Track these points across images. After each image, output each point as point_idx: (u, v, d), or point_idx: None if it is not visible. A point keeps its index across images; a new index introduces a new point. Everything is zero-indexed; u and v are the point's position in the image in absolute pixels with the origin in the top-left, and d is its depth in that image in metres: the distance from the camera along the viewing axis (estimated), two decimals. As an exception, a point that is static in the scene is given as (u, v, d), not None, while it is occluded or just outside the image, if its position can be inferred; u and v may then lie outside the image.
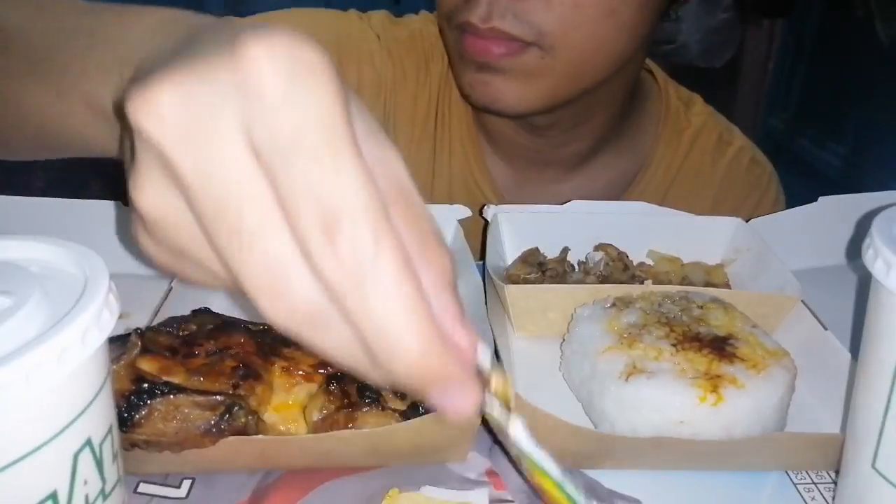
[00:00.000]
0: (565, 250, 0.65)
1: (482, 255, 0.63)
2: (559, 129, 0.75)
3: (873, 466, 0.37)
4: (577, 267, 0.65)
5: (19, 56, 0.42)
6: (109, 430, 0.31)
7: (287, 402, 0.44)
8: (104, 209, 0.63)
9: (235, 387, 0.42)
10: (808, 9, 2.30)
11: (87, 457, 0.29)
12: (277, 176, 0.24)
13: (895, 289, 0.34)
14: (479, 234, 0.68)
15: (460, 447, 0.44)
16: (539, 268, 0.63)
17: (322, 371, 0.45)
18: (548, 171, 0.81)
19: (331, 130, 0.24)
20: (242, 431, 0.41)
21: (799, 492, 0.44)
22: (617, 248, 0.64)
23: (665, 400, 0.44)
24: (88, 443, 0.29)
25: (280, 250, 0.24)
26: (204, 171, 0.24)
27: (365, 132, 0.26)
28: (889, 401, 0.35)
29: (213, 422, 0.40)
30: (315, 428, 0.43)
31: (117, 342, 0.42)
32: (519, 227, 0.66)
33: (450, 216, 0.66)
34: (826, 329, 0.53)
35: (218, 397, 0.41)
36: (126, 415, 0.39)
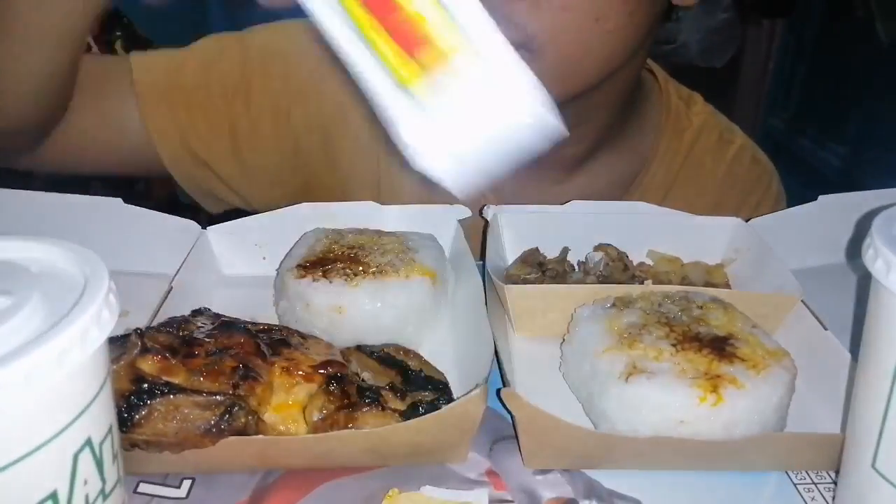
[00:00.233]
0: (565, 250, 0.65)
1: (482, 255, 0.63)
2: None
3: (873, 466, 0.37)
4: (577, 267, 0.65)
5: None
6: (109, 430, 0.31)
7: (287, 402, 0.44)
8: (105, 206, 0.63)
9: (235, 387, 0.42)
10: (808, 9, 2.30)
11: (87, 457, 0.29)
12: None
13: (895, 289, 0.34)
14: (479, 234, 0.68)
15: (460, 447, 0.44)
16: (539, 268, 0.63)
17: (322, 371, 0.45)
18: (548, 171, 0.81)
19: None
20: (242, 431, 0.41)
21: (799, 492, 0.44)
22: (617, 248, 0.64)
23: (665, 400, 0.44)
24: (88, 443, 0.29)
25: None
26: None
27: None
28: (889, 401, 0.35)
29: (213, 422, 0.40)
30: (315, 428, 0.43)
31: (117, 342, 0.42)
32: (519, 227, 0.66)
33: (450, 216, 0.66)
34: (826, 329, 0.53)
35: (218, 397, 0.41)
36: (126, 415, 0.39)
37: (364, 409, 0.43)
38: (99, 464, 0.30)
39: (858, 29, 1.95)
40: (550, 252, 0.65)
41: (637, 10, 0.64)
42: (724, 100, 2.39)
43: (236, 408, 0.41)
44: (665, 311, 0.50)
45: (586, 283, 0.61)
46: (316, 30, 0.35)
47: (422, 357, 0.51)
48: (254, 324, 0.49)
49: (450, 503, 0.42)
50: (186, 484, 0.43)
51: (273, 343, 0.47)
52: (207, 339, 0.45)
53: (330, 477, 0.43)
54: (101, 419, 0.30)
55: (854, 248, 0.67)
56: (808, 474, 0.46)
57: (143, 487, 0.42)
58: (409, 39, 0.32)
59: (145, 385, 0.40)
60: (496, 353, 0.47)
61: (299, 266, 0.56)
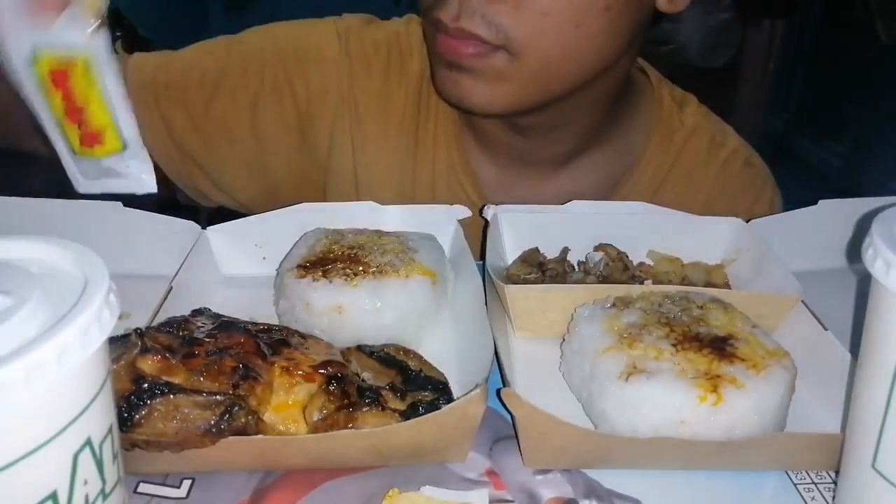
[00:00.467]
0: (565, 250, 0.65)
1: (482, 255, 0.63)
2: (541, 130, 0.76)
3: (873, 466, 0.37)
4: (577, 267, 0.65)
5: None
6: (109, 430, 0.31)
7: (287, 402, 0.44)
8: (105, 209, 0.63)
9: (235, 387, 0.42)
10: (808, 9, 2.30)
11: (87, 457, 0.29)
12: None
13: (895, 289, 0.34)
14: (479, 234, 0.68)
15: (460, 447, 0.44)
16: (539, 268, 0.63)
17: (322, 371, 0.45)
18: (533, 169, 0.81)
19: None
20: (242, 431, 0.41)
21: (799, 492, 0.44)
22: (617, 248, 0.64)
23: (665, 400, 0.44)
24: (88, 443, 0.29)
25: None
26: None
27: None
28: (889, 401, 0.35)
29: (213, 422, 0.40)
30: (315, 428, 0.43)
31: (117, 342, 0.42)
32: (519, 227, 0.66)
33: (450, 216, 0.66)
34: (826, 329, 0.53)
35: (218, 397, 0.41)
36: (126, 415, 0.39)
37: (364, 409, 0.43)
38: (99, 464, 0.30)
39: (858, 29, 1.95)
40: (550, 252, 0.65)
41: (618, 17, 0.64)
42: (724, 100, 2.39)
43: (236, 408, 0.41)
44: (665, 311, 0.50)
45: (586, 283, 0.61)
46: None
47: (422, 357, 0.50)
48: (254, 324, 0.49)
49: (450, 503, 0.42)
50: (186, 484, 0.43)
51: (273, 343, 0.47)
52: (207, 339, 0.45)
53: (330, 477, 0.43)
54: (101, 419, 0.30)
55: (854, 251, 0.67)
56: (808, 474, 0.46)
57: (143, 487, 0.43)
58: (86, 133, 0.50)
59: (145, 385, 0.40)
60: (496, 353, 0.47)
61: (299, 266, 0.56)
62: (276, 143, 0.79)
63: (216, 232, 0.64)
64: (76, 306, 0.28)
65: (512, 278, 0.61)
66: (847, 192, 0.67)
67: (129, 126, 0.51)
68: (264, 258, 0.65)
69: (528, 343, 0.57)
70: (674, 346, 0.47)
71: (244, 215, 0.66)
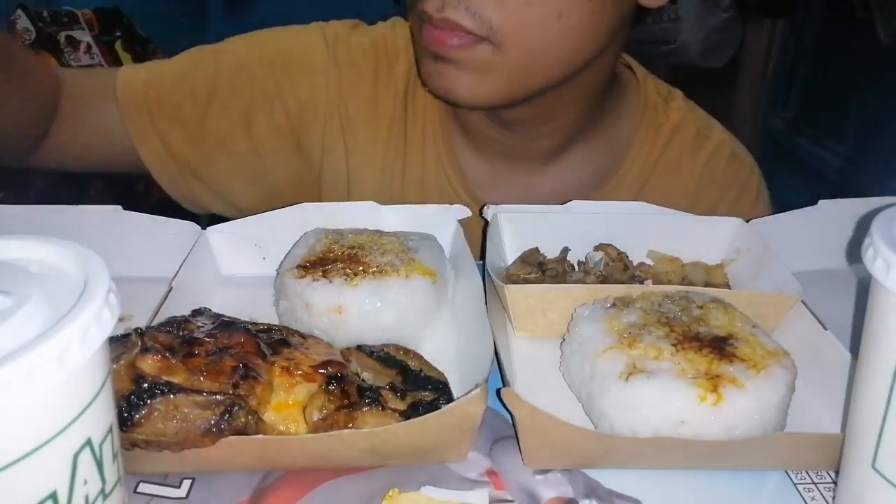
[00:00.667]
0: (565, 250, 0.65)
1: (482, 255, 0.63)
2: (528, 125, 0.76)
3: (873, 466, 0.37)
4: (577, 267, 0.65)
5: None
6: (109, 430, 0.31)
7: (287, 402, 0.44)
8: (105, 214, 0.63)
9: (235, 387, 0.42)
10: (808, 9, 2.30)
11: (87, 457, 0.29)
12: None
13: (895, 288, 0.34)
14: (479, 234, 0.68)
15: (460, 447, 0.44)
16: (539, 268, 0.63)
17: (322, 371, 0.45)
18: (522, 165, 0.82)
19: None
20: (242, 431, 0.41)
21: (799, 492, 0.44)
22: (617, 248, 0.64)
23: (665, 400, 0.44)
24: (88, 443, 0.29)
25: None
26: None
27: None
28: (889, 401, 0.35)
29: (213, 422, 0.40)
30: (315, 428, 0.43)
31: (117, 342, 0.42)
32: (519, 227, 0.66)
33: (450, 216, 0.66)
34: (826, 329, 0.53)
35: (218, 397, 0.41)
36: (126, 415, 0.39)
37: (364, 409, 0.43)
38: (99, 464, 0.30)
39: (858, 29, 1.95)
40: (550, 252, 0.65)
41: (600, 8, 0.65)
42: (724, 100, 2.39)
43: (236, 408, 0.41)
44: (665, 311, 0.50)
45: (586, 283, 0.61)
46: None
47: (422, 357, 0.50)
48: (254, 324, 0.49)
49: (450, 503, 0.42)
50: (186, 484, 0.43)
51: (273, 343, 0.47)
52: (207, 339, 0.45)
53: (330, 477, 0.43)
54: (101, 419, 0.30)
55: (854, 251, 0.67)
56: (808, 474, 0.46)
57: (143, 487, 0.42)
58: None
59: (145, 385, 0.40)
60: (496, 353, 0.47)
61: (299, 266, 0.56)
62: (273, 151, 0.80)
63: (216, 232, 0.64)
64: (76, 306, 0.28)
65: (512, 278, 0.61)
66: (847, 192, 0.67)
67: None
68: (264, 258, 0.65)
69: (528, 343, 0.57)
70: (674, 346, 0.47)
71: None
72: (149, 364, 0.42)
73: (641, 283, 0.62)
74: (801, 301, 0.56)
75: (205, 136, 0.78)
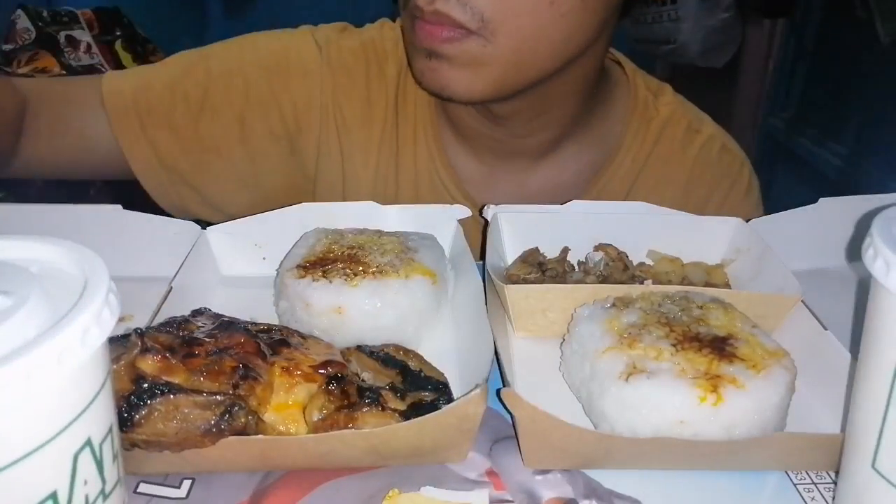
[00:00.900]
0: (565, 250, 0.65)
1: (482, 255, 0.63)
2: (520, 120, 0.76)
3: (873, 466, 0.37)
4: (577, 267, 0.65)
5: None
6: (109, 430, 0.31)
7: (287, 402, 0.44)
8: (105, 213, 0.63)
9: (235, 387, 0.42)
10: (808, 9, 2.30)
11: (87, 457, 0.29)
12: None
13: (895, 289, 0.34)
14: (479, 234, 0.68)
15: (460, 447, 0.44)
16: (539, 268, 0.63)
17: (322, 371, 0.45)
18: (514, 161, 0.82)
19: None
20: (242, 431, 0.41)
21: (799, 492, 0.44)
22: (617, 248, 0.64)
23: (665, 400, 0.44)
24: (88, 443, 0.29)
25: None
26: None
27: None
28: (889, 401, 0.35)
29: (213, 422, 0.40)
30: (315, 428, 0.43)
31: (117, 342, 0.42)
32: (519, 227, 0.66)
33: (450, 216, 0.66)
34: (826, 329, 0.53)
35: (218, 397, 0.41)
36: (126, 415, 0.39)
37: (364, 409, 0.43)
38: (99, 464, 0.30)
39: (858, 29, 1.95)
40: (550, 252, 0.65)
41: None
42: (724, 100, 2.39)
43: (236, 408, 0.41)
44: (665, 311, 0.50)
45: (586, 283, 0.61)
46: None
47: (422, 357, 0.51)
48: (254, 324, 0.49)
49: (450, 503, 0.42)
50: (186, 484, 0.43)
51: (273, 343, 0.47)
52: (207, 339, 0.45)
53: (330, 477, 0.43)
54: (101, 419, 0.30)
55: (854, 250, 0.67)
56: (808, 474, 0.46)
57: (143, 487, 0.43)
58: None
59: (145, 385, 0.40)
60: (496, 353, 0.47)
61: (299, 266, 0.56)
62: (267, 155, 0.80)
63: (216, 232, 0.64)
64: (76, 306, 0.28)
65: (512, 278, 0.61)
66: (847, 192, 0.67)
67: None
68: (264, 258, 0.65)
69: (528, 343, 0.57)
70: (674, 346, 0.47)
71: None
72: (149, 364, 0.42)
73: (641, 283, 0.62)
74: (801, 301, 0.56)
75: (198, 142, 0.77)
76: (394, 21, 0.84)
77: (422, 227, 0.65)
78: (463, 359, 0.53)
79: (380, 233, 0.62)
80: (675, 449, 0.43)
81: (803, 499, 0.44)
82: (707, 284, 0.62)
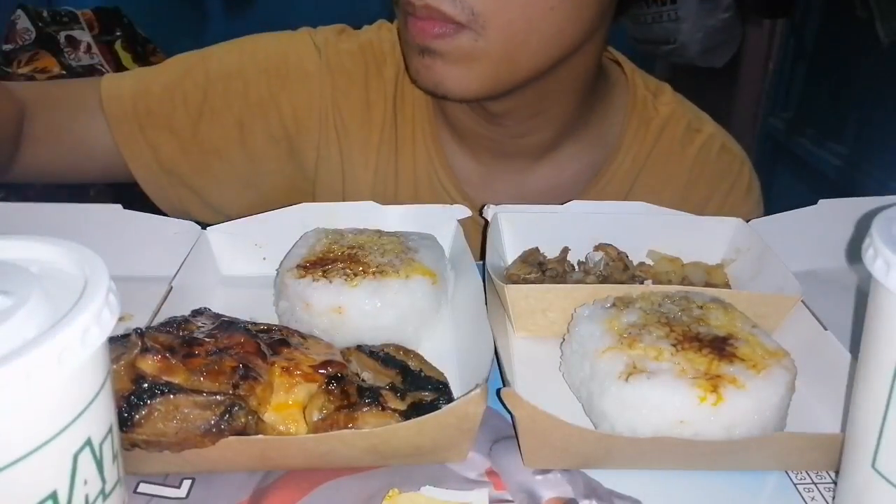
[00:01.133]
0: (565, 250, 0.65)
1: (482, 255, 0.63)
2: (516, 119, 0.76)
3: (873, 466, 0.37)
4: (577, 267, 0.65)
5: None
6: (109, 430, 0.31)
7: (287, 402, 0.44)
8: (105, 212, 0.63)
9: (235, 387, 0.42)
10: (808, 9, 2.30)
11: (87, 457, 0.29)
12: None
13: (895, 288, 0.34)
14: (479, 234, 0.68)
15: (460, 447, 0.44)
16: (539, 268, 0.63)
17: (322, 371, 0.45)
18: (513, 162, 0.82)
19: None
20: (242, 431, 0.41)
21: (799, 492, 0.44)
22: (617, 248, 0.64)
23: (665, 400, 0.44)
24: (88, 443, 0.29)
25: None
26: None
27: None
28: (889, 401, 0.35)
29: (213, 422, 0.40)
30: (315, 428, 0.43)
31: (117, 342, 0.42)
32: (519, 227, 0.66)
33: (450, 216, 0.66)
34: (826, 329, 0.53)
35: (218, 397, 0.41)
36: (126, 415, 0.39)
37: (364, 409, 0.43)
38: (99, 464, 0.30)
39: (858, 29, 1.95)
40: (550, 252, 0.65)
41: None
42: (725, 100, 2.39)
43: (236, 408, 0.41)
44: (665, 311, 0.50)
45: (586, 283, 0.61)
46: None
47: (422, 357, 0.51)
48: (254, 324, 0.49)
49: (450, 503, 0.42)
50: (186, 484, 0.43)
51: (273, 343, 0.47)
52: (207, 339, 0.45)
53: (330, 477, 0.43)
54: (101, 419, 0.30)
55: (854, 251, 0.67)
56: (808, 474, 0.46)
57: (143, 487, 0.43)
58: None
59: (145, 385, 0.40)
60: (496, 353, 0.47)
61: (299, 266, 0.56)
62: (267, 156, 0.80)
63: (216, 232, 0.64)
64: (76, 306, 0.28)
65: (512, 278, 0.61)
66: (847, 192, 0.67)
67: None
68: (264, 258, 0.65)
69: (528, 343, 0.57)
70: (674, 346, 0.47)
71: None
72: (149, 364, 0.42)
73: (641, 283, 0.62)
74: (801, 301, 0.56)
75: (197, 145, 0.77)
76: (392, 22, 0.84)
77: (422, 227, 0.65)
78: (463, 359, 0.53)
79: (380, 233, 0.62)
80: (675, 449, 0.43)
81: (803, 499, 0.44)
82: (707, 284, 0.62)
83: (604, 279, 0.62)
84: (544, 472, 0.45)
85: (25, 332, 0.27)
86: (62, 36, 1.92)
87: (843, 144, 2.12)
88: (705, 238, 0.66)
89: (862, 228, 0.62)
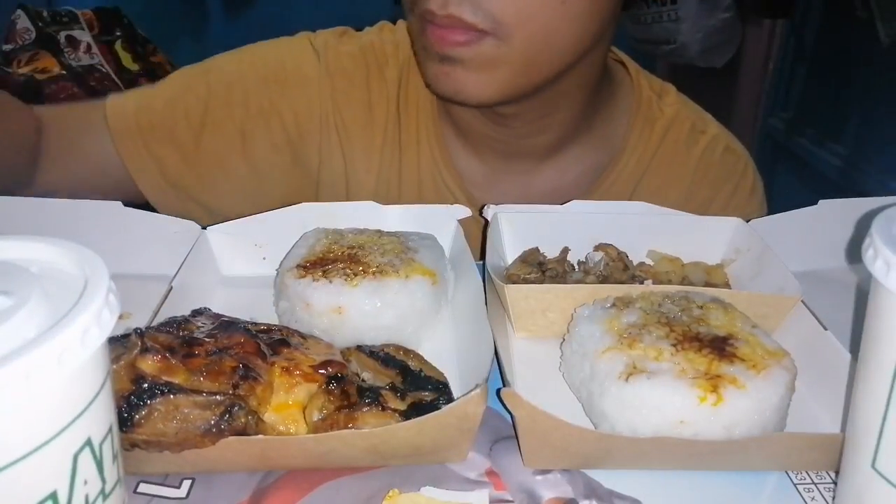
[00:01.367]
0: (565, 250, 0.65)
1: (482, 255, 0.63)
2: (525, 120, 0.76)
3: (873, 466, 0.37)
4: (577, 267, 0.65)
5: None
6: (109, 430, 0.31)
7: (287, 402, 0.44)
8: (105, 209, 0.63)
9: (235, 387, 0.42)
10: (808, 9, 2.30)
11: (87, 457, 0.29)
12: None
13: (895, 288, 0.34)
14: (479, 234, 0.68)
15: (460, 447, 0.44)
16: (539, 268, 0.63)
17: (322, 371, 0.45)
18: (518, 162, 0.82)
19: None
20: (242, 431, 0.41)
21: (799, 492, 0.44)
22: (617, 248, 0.64)
23: (665, 400, 0.44)
24: (88, 443, 0.29)
25: None
26: None
27: None
28: (889, 401, 0.35)
29: (213, 422, 0.40)
30: (315, 428, 0.43)
31: (117, 342, 0.42)
32: (519, 227, 0.66)
33: (450, 216, 0.66)
34: (826, 329, 0.53)
35: (218, 397, 0.41)
36: (126, 415, 0.39)
37: (364, 409, 0.43)
38: (99, 464, 0.30)
39: (858, 29, 1.95)
40: (550, 252, 0.65)
41: None
42: (725, 100, 2.39)
43: (236, 408, 0.41)
44: (665, 311, 0.50)
45: (586, 283, 0.61)
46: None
47: (422, 357, 0.51)
48: (254, 324, 0.49)
49: (450, 503, 0.42)
50: (186, 484, 0.43)
51: (273, 343, 0.47)
52: (207, 339, 0.45)
53: (330, 477, 0.43)
54: (101, 419, 0.30)
55: (854, 251, 0.67)
56: (808, 474, 0.46)
57: (143, 487, 0.43)
58: None
59: (145, 385, 0.40)
60: (496, 353, 0.47)
61: (299, 266, 0.56)
62: (270, 165, 0.80)
63: (216, 232, 0.64)
64: (76, 306, 0.28)
65: (512, 278, 0.61)
66: (847, 192, 0.67)
67: None
68: (264, 258, 0.65)
69: (528, 343, 0.57)
70: (674, 346, 0.47)
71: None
72: (149, 364, 0.42)
73: (641, 283, 0.62)
74: (801, 301, 0.56)
75: (201, 158, 0.78)
76: (394, 23, 0.84)
77: (422, 227, 0.65)
78: (463, 359, 0.53)
79: (380, 233, 0.62)
80: (675, 449, 0.43)
81: (803, 499, 0.44)
82: (707, 284, 0.62)
83: (604, 279, 0.62)
84: (544, 472, 0.45)
85: (25, 333, 0.27)
86: (62, 36, 1.92)
87: (843, 145, 2.12)
88: (705, 238, 0.66)
89: (862, 228, 0.62)
